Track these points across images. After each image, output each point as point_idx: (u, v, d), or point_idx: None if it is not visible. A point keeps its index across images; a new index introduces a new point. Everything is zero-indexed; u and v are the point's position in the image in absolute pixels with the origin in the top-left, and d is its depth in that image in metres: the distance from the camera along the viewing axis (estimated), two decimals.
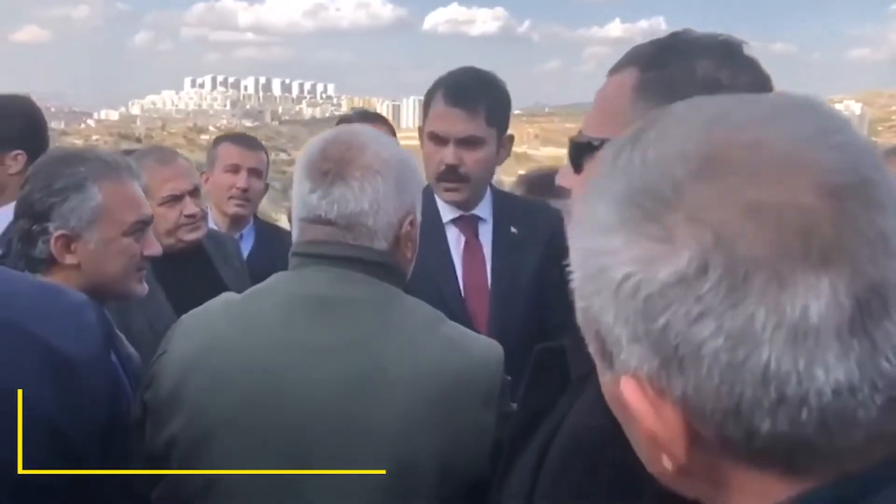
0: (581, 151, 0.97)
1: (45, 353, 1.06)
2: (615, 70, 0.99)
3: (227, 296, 1.43)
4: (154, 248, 1.83)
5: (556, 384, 0.98)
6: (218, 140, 3.29)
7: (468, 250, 2.30)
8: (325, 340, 1.30)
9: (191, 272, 2.41)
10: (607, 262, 0.55)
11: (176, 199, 2.45)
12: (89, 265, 1.71)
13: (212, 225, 2.91)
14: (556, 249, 2.22)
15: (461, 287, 2.24)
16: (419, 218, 1.47)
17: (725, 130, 0.54)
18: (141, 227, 1.79)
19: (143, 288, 1.83)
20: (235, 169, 3.07)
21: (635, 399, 0.55)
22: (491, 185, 2.40)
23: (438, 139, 2.23)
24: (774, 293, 0.48)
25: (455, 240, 2.30)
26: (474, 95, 2.22)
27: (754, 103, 0.57)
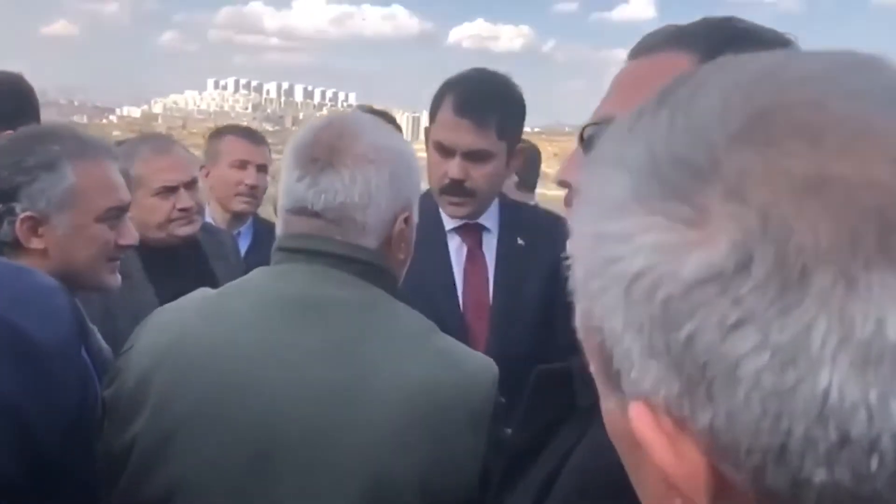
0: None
1: (8, 332, 1.01)
2: (650, 50, 0.86)
3: (203, 290, 1.33)
4: (130, 238, 1.70)
5: (558, 411, 0.86)
6: (220, 132, 3.13)
7: (470, 261, 2.15)
8: (301, 343, 1.20)
9: (183, 266, 2.30)
10: (617, 251, 0.41)
11: (170, 190, 2.32)
12: (57, 251, 1.59)
13: (208, 219, 2.81)
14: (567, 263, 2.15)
15: (460, 300, 2.10)
16: (416, 217, 1.35)
17: (777, 87, 0.41)
18: (116, 213, 1.67)
19: (116, 279, 1.72)
20: (243, 165, 2.97)
21: (647, 432, 0.42)
22: (500, 194, 2.24)
23: (444, 150, 2.07)
24: (840, 298, 0.35)
25: (456, 249, 2.15)
26: (486, 106, 2.04)
27: (811, 58, 0.44)
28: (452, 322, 1.99)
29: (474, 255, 2.15)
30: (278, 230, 1.32)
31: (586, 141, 0.85)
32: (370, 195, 1.24)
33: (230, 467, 1.17)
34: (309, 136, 1.29)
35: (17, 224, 1.56)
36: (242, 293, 1.28)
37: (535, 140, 6.20)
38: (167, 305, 1.33)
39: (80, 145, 1.62)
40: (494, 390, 1.24)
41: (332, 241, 1.25)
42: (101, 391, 1.28)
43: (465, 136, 2.02)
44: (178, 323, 1.26)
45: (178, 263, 2.29)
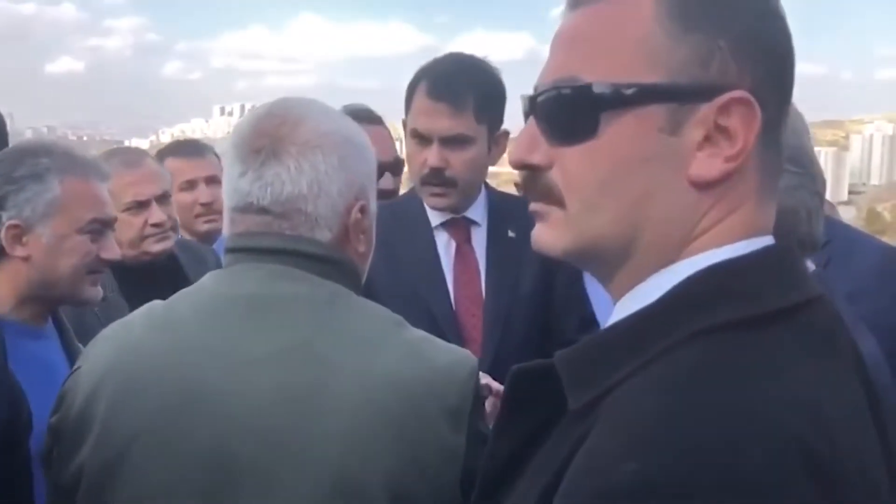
0: (593, 108, 0.72)
1: None
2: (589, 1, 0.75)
3: (154, 301, 1.25)
4: (112, 252, 1.73)
5: (541, 416, 0.77)
6: (160, 156, 2.92)
7: (460, 258, 2.06)
8: (254, 346, 1.12)
9: (161, 284, 2.16)
10: None
11: (141, 205, 2.26)
12: (39, 259, 1.64)
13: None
14: None
15: (452, 300, 2.01)
16: (373, 206, 1.26)
17: None
18: (99, 226, 1.70)
19: (97, 292, 1.74)
20: (191, 185, 2.85)
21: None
22: (486, 185, 2.15)
23: (421, 137, 1.98)
24: None
25: (445, 246, 2.06)
26: (461, 87, 1.94)
27: None
28: (445, 322, 1.95)
29: (463, 251, 2.07)
30: (225, 231, 1.24)
31: (544, 105, 0.76)
32: (319, 184, 1.16)
33: (184, 489, 1.08)
34: (248, 126, 1.20)
35: (3, 232, 1.61)
36: (190, 298, 1.20)
37: None
38: (117, 321, 1.26)
39: (69, 160, 1.68)
40: (473, 383, 1.15)
41: (281, 237, 1.17)
42: (49, 420, 1.24)
43: (440, 120, 1.94)
44: (125, 336, 1.20)
45: (156, 281, 2.17)
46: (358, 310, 1.18)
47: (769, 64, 0.73)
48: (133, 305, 2.04)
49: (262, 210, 1.17)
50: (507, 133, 2.06)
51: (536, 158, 0.77)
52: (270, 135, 1.17)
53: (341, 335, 1.13)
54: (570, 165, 0.74)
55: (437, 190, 1.99)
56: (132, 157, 2.37)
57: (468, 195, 2.05)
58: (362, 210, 1.21)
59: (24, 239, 1.63)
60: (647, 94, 0.71)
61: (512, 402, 0.81)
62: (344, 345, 1.12)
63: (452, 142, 1.95)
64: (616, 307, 0.78)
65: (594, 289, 2.11)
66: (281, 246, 1.17)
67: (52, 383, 1.34)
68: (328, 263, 1.18)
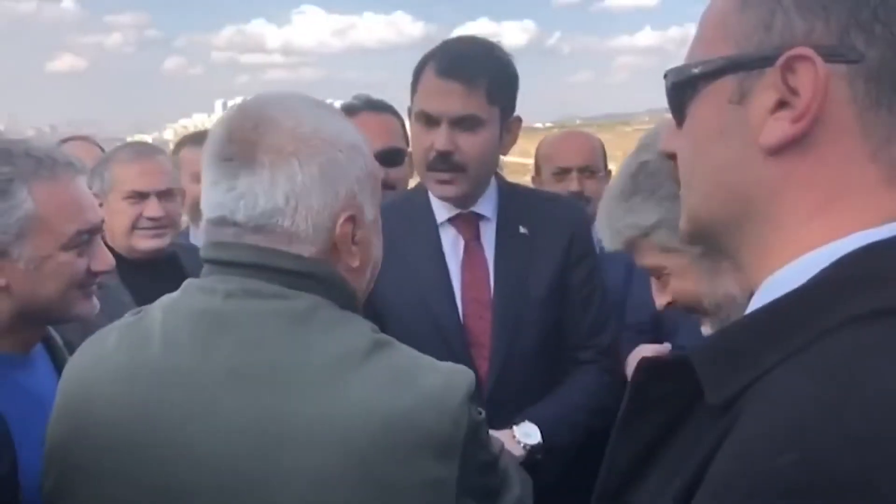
0: (682, 92, 0.76)
1: None
2: None
3: (137, 309, 1.16)
4: (104, 263, 1.51)
5: (671, 412, 0.74)
6: (179, 145, 2.98)
7: (468, 255, 1.93)
8: (211, 368, 1.01)
9: (161, 280, 2.07)
10: None
11: (141, 196, 2.20)
12: (19, 287, 1.39)
13: (194, 241, 2.73)
14: (578, 250, 1.94)
15: (458, 299, 1.89)
16: (368, 215, 1.14)
17: None
18: (86, 237, 1.47)
19: (91, 306, 1.52)
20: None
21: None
22: (497, 176, 2.01)
23: (429, 119, 1.83)
24: None
25: (452, 243, 1.93)
26: (473, 66, 1.82)
27: None
28: (450, 324, 1.85)
29: (472, 249, 1.94)
30: (202, 239, 1.15)
31: (675, 99, 0.77)
32: (297, 197, 1.05)
33: None
34: (221, 130, 1.09)
35: None
36: (162, 312, 1.09)
37: (546, 135, 6.02)
38: (99, 330, 1.17)
39: (35, 164, 1.41)
40: (466, 407, 1.03)
41: (255, 249, 1.06)
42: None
43: (452, 99, 1.81)
44: (93, 352, 1.11)
45: (157, 278, 2.05)
46: (335, 329, 1.05)
47: (849, 3, 0.67)
48: (135, 295, 2.08)
49: (235, 223, 1.07)
50: (519, 120, 1.95)
51: (669, 146, 0.82)
52: (242, 140, 1.06)
53: (311, 357, 1.02)
54: (679, 149, 0.79)
55: (444, 176, 1.85)
56: (144, 149, 2.35)
57: (478, 184, 1.91)
58: (353, 221, 1.10)
59: None
60: (713, 69, 0.72)
61: (639, 397, 0.76)
62: (314, 368, 1.01)
63: (463, 123, 1.82)
64: (756, 294, 0.73)
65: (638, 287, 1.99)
66: (253, 260, 1.06)
67: (41, 413, 1.20)
68: (309, 279, 1.07)
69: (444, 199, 1.91)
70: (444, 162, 1.83)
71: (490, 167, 1.93)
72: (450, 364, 1.09)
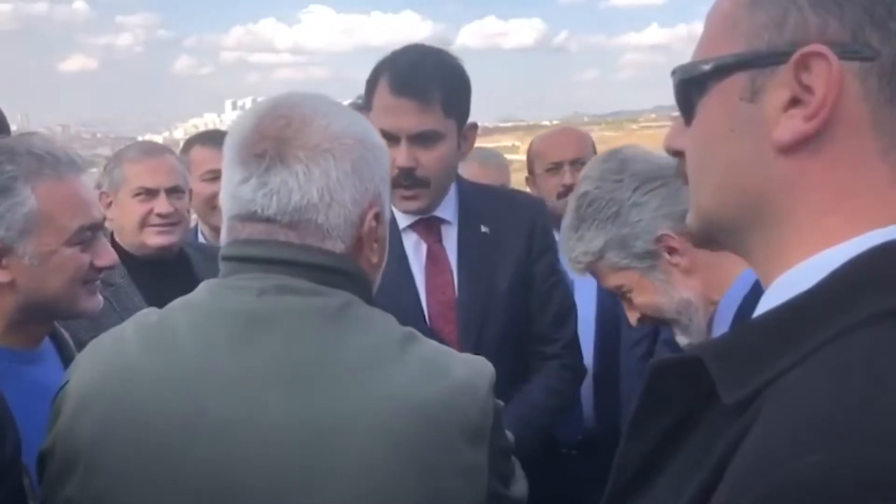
0: (691, 89, 0.76)
1: None
2: None
3: (147, 312, 1.15)
4: (107, 258, 1.54)
5: (682, 412, 0.73)
6: (188, 144, 3.02)
7: (431, 259, 1.95)
8: (254, 367, 1.01)
9: (169, 279, 2.12)
10: None
11: (150, 193, 2.22)
12: (25, 282, 1.44)
13: (201, 240, 2.78)
14: (540, 245, 1.97)
15: (424, 304, 1.91)
16: (387, 212, 1.17)
17: None
18: (89, 233, 1.50)
19: (96, 301, 1.56)
20: (214, 175, 2.77)
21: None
22: (458, 178, 2.04)
23: (388, 136, 1.79)
24: None
25: (414, 248, 1.96)
26: (426, 81, 1.82)
27: None
28: (417, 327, 1.80)
29: (435, 252, 1.96)
30: (223, 239, 1.13)
31: (683, 97, 0.77)
32: (331, 192, 1.06)
33: None
34: (250, 126, 1.08)
35: None
36: (187, 313, 1.08)
37: None
38: (109, 331, 1.15)
39: (37, 162, 1.45)
40: (491, 395, 1.07)
41: (289, 246, 1.06)
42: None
43: (408, 117, 1.82)
44: (114, 355, 1.08)
45: (165, 277, 2.15)
46: (369, 323, 1.07)
47: (863, 0, 0.66)
48: (145, 294, 2.12)
49: (267, 220, 1.06)
50: (475, 126, 1.98)
51: (676, 143, 0.81)
52: (275, 137, 1.06)
53: (351, 352, 1.03)
54: (687, 147, 0.78)
55: (408, 193, 1.88)
56: (152, 147, 2.38)
57: (440, 195, 1.94)
58: (377, 218, 1.12)
59: (4, 262, 1.43)
60: (725, 66, 0.71)
61: (651, 398, 0.75)
62: (353, 364, 1.02)
63: (421, 139, 1.83)
64: (767, 292, 0.72)
65: (580, 282, 2.09)
66: (288, 256, 1.06)
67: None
68: (341, 275, 1.08)
69: (408, 213, 1.94)
70: (407, 178, 1.85)
71: (451, 176, 1.97)
72: (469, 355, 1.14)
